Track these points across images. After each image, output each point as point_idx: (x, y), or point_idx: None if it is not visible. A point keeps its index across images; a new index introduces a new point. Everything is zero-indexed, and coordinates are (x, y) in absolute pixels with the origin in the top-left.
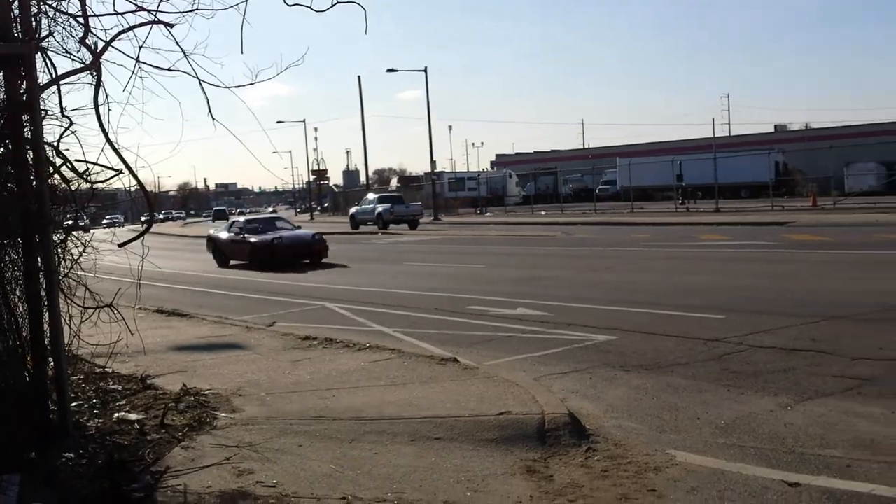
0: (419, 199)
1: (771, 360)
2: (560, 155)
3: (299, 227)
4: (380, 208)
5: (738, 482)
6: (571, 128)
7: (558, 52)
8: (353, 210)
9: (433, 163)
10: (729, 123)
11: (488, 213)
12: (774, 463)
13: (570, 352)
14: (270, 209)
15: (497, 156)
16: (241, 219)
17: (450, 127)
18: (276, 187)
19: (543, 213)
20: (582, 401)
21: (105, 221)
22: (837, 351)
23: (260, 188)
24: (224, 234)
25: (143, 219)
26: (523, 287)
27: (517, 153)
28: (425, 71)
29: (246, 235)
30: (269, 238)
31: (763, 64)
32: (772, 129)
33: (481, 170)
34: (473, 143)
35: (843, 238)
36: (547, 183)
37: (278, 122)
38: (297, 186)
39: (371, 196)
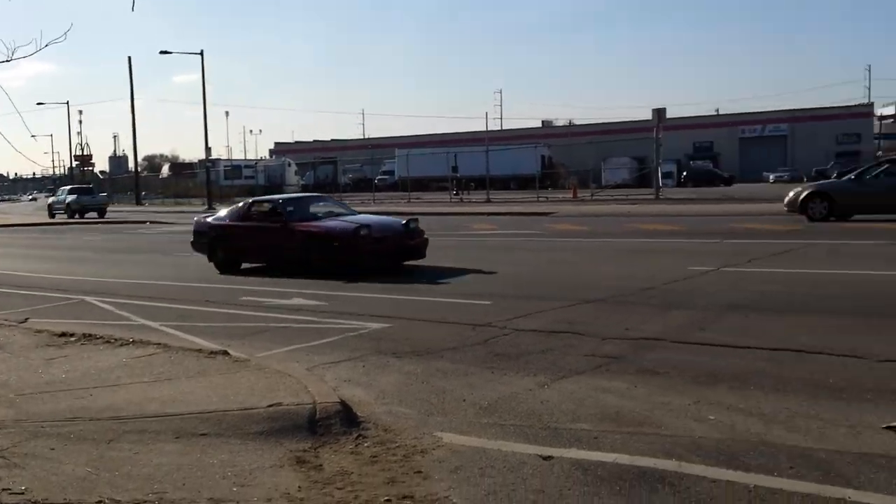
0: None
1: (532, 343)
2: (340, 144)
3: (357, 213)
4: (69, 199)
5: (499, 458)
6: (352, 118)
7: (339, 41)
8: (50, 200)
9: (208, 149)
10: (501, 118)
11: None
12: (531, 438)
13: (344, 340)
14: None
15: (276, 144)
16: (278, 197)
17: (227, 113)
18: (34, 174)
19: None
20: (354, 388)
21: None
22: (590, 332)
23: (17, 174)
24: (233, 223)
25: None
26: (299, 277)
27: (296, 141)
28: (201, 54)
29: (290, 222)
30: (349, 227)
31: (534, 61)
32: (539, 125)
33: (259, 158)
34: (251, 131)
35: (598, 227)
36: (327, 172)
37: (39, 103)
38: (59, 173)
39: (65, 188)
